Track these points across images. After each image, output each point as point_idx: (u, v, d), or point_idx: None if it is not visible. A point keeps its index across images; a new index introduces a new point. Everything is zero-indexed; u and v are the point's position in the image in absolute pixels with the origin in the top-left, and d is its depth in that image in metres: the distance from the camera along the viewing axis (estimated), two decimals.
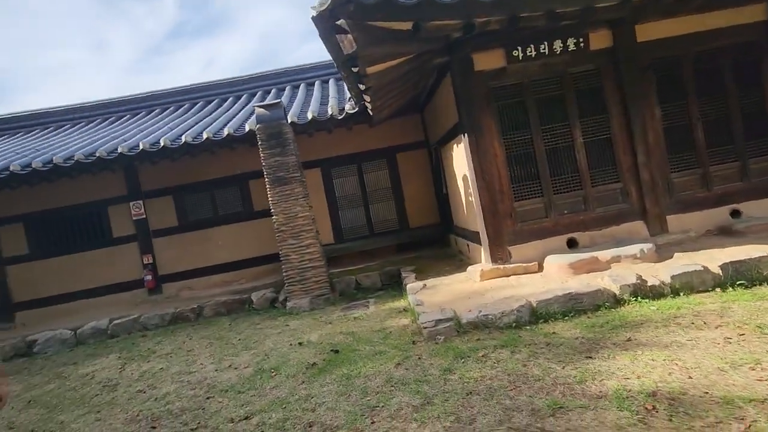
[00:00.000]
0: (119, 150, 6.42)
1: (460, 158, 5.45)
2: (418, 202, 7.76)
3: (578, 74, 4.92)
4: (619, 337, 3.15)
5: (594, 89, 4.95)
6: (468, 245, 5.90)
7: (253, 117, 6.84)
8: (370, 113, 5.82)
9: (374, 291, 6.35)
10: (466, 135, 4.78)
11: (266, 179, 5.81)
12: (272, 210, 5.83)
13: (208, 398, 3.51)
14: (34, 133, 9.19)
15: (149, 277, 7.48)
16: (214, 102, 9.17)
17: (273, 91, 9.18)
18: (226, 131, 6.40)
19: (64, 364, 5.40)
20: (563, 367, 2.85)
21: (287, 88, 9.13)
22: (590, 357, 2.93)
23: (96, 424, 3.43)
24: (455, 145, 5.68)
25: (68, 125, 9.42)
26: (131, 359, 5.02)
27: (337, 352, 3.93)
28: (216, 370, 4.14)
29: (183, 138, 6.40)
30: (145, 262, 7.55)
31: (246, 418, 2.99)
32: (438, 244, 7.58)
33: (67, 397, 4.18)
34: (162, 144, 6.37)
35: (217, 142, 6.45)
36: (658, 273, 3.86)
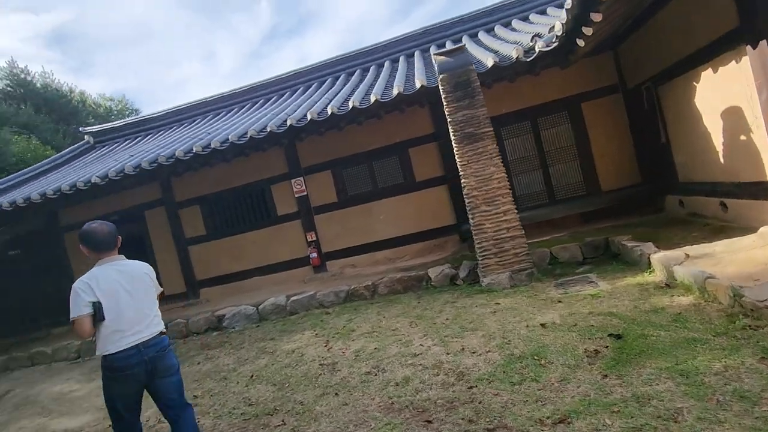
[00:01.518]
0: (288, 123, 6.23)
1: (721, 85, 4.07)
2: (612, 160, 6.41)
3: None
4: None
5: None
6: (724, 203, 4.50)
7: (422, 74, 6.16)
8: (581, 44, 4.69)
9: (577, 265, 5.30)
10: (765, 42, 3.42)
11: (453, 137, 5.07)
12: (461, 173, 5.08)
13: (470, 388, 2.87)
14: (197, 121, 9.78)
15: (314, 255, 7.38)
16: (356, 73, 8.76)
17: (416, 52, 8.45)
18: (395, 91, 5.80)
19: (261, 339, 5.36)
20: None
21: (432, 48, 8.32)
22: None
23: (345, 409, 3.01)
24: (706, 72, 4.29)
25: (223, 112, 9.84)
26: (332, 337, 4.71)
27: (619, 337, 3.01)
28: (447, 354, 3.52)
29: (350, 103, 5.96)
30: (309, 240, 7.46)
31: (562, 421, 2.25)
32: (640, 210, 6.18)
33: (289, 374, 3.94)
34: (329, 111, 6.02)
35: (385, 104, 5.90)
36: None
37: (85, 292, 2.31)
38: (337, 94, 7.35)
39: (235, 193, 7.85)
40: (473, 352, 3.44)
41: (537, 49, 5.18)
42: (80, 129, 10.74)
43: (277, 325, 5.87)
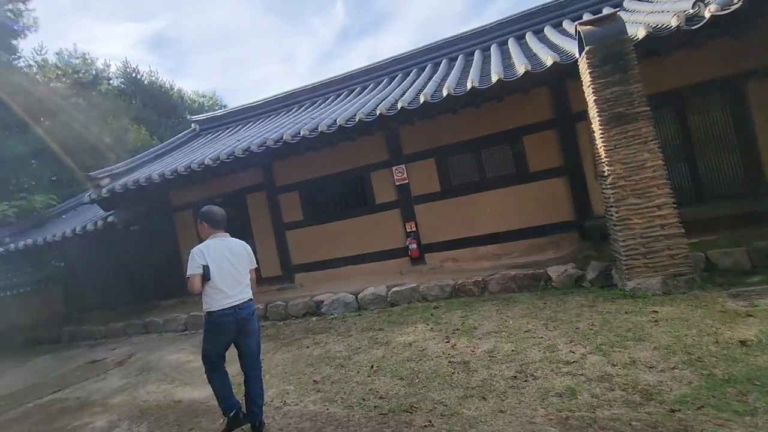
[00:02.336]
0: (399, 105, 5.95)
1: None
2: None
3: None
4: None
5: None
6: None
7: (547, 53, 5.55)
8: None
9: (744, 274, 4.40)
10: None
11: (598, 118, 4.42)
12: (605, 159, 4.42)
13: (672, 411, 2.32)
14: (293, 110, 9.95)
15: (414, 246, 7.06)
16: (460, 57, 8.26)
17: (528, 34, 7.77)
18: (520, 69, 5.26)
19: (368, 328, 5.14)
20: None
21: (546, 28, 7.60)
22: None
23: (504, 417, 2.60)
24: None
25: (319, 100, 9.90)
26: (451, 333, 4.33)
27: None
28: (613, 365, 2.98)
29: (469, 83, 5.53)
30: (407, 230, 7.16)
31: None
32: None
33: (415, 369, 3.62)
34: (445, 93, 5.64)
35: (508, 84, 5.38)
36: None
37: (198, 257, 2.94)
38: (445, 77, 6.95)
39: (333, 180, 7.79)
40: (650, 367, 2.86)
41: (707, 14, 4.34)
42: (188, 117, 11.47)
43: (381, 315, 5.62)
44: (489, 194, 6.73)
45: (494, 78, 5.40)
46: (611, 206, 4.50)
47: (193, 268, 2.91)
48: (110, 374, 5.59)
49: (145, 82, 27.83)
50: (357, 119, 6.16)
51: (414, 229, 7.12)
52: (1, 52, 14.52)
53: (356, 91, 9.36)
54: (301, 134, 6.46)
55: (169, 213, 9.24)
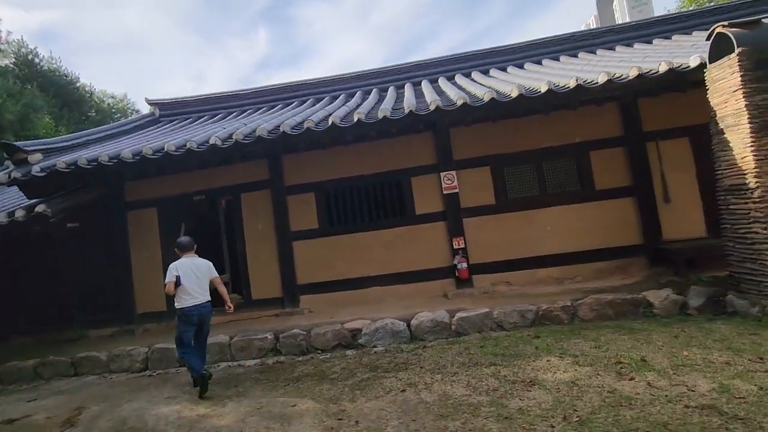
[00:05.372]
0: (459, 103, 5.12)
1: None
2: None
3: None
4: None
5: None
6: None
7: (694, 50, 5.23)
8: None
9: None
10: None
11: (749, 125, 4.05)
12: (755, 170, 4.03)
13: None
14: (276, 107, 8.48)
15: (463, 265, 6.03)
16: (473, 73, 7.82)
17: (560, 57, 7.67)
18: (600, 78, 4.80)
19: (472, 364, 3.93)
20: None
21: (598, 51, 7.57)
22: None
23: None
24: None
25: (311, 99, 8.60)
26: (614, 368, 3.38)
27: None
28: None
29: (541, 86, 4.94)
30: (455, 247, 6.13)
31: None
32: None
33: (648, 419, 2.60)
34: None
35: (590, 90, 4.91)
36: None
37: (173, 270, 4.16)
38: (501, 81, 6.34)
39: (362, 183, 6.52)
40: None
41: None
42: (146, 99, 9.21)
43: (469, 347, 4.40)
44: (550, 211, 6.10)
45: (601, 79, 4.88)
46: (755, 222, 4.07)
47: (170, 277, 4.11)
48: None
49: (45, 68, 23.32)
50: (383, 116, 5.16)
51: (462, 246, 6.12)
52: None
53: (340, 98, 8.18)
54: (306, 126, 5.26)
55: (120, 210, 6.94)
